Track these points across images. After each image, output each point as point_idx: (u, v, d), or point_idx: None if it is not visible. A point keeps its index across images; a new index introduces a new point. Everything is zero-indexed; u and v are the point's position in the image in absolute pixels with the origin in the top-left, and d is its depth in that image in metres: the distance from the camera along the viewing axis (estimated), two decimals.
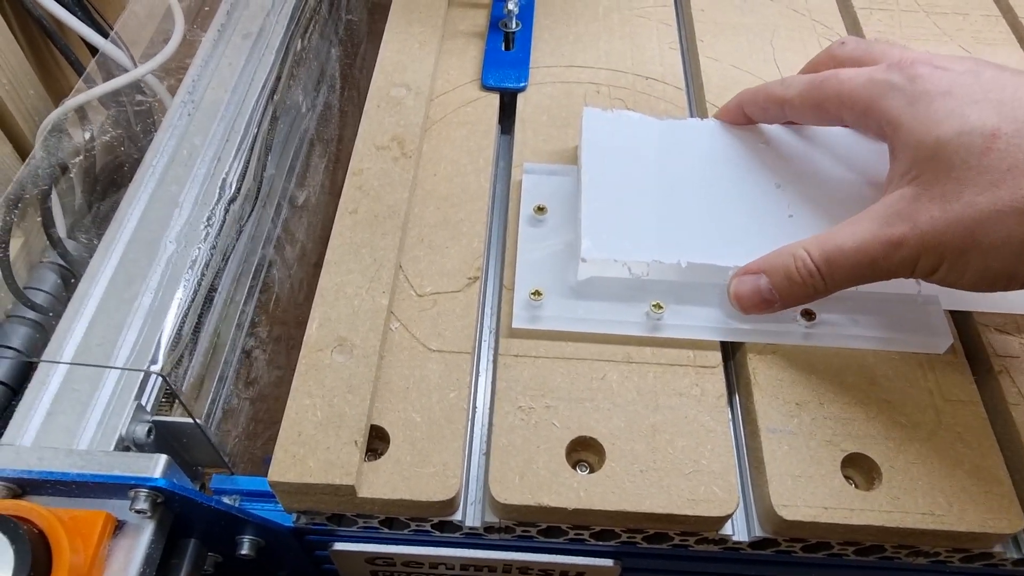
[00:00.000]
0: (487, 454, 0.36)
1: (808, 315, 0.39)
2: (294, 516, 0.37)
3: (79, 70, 0.58)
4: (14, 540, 0.29)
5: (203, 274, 0.38)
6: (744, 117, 0.45)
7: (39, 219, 0.49)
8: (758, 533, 0.35)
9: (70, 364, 0.35)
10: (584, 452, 0.36)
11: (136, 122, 0.53)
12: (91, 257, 0.40)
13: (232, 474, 0.39)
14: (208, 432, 0.37)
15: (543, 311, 0.39)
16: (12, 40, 0.54)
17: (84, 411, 0.35)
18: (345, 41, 0.65)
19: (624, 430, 0.36)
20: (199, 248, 0.39)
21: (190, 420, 0.37)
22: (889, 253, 0.34)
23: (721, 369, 0.38)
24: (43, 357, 0.37)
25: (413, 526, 0.36)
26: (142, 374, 0.36)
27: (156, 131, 0.47)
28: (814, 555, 0.37)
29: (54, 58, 0.60)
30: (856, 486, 0.35)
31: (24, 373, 0.43)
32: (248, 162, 0.44)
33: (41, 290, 0.48)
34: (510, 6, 0.53)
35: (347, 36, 0.66)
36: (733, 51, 0.54)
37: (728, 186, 0.43)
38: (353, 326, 0.38)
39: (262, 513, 0.37)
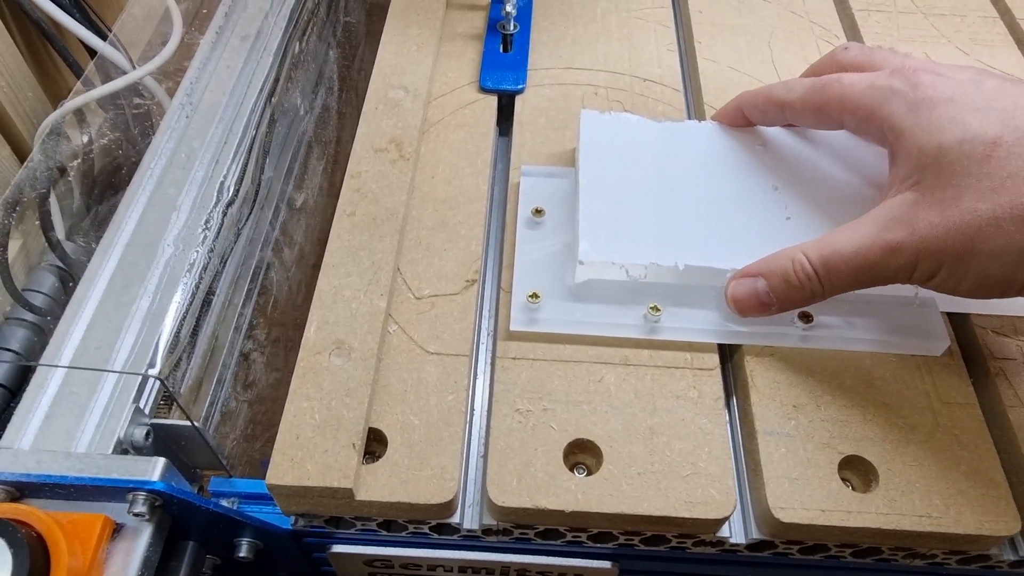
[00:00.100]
0: (485, 456, 0.36)
1: (805, 317, 0.39)
2: (292, 519, 0.37)
3: (77, 72, 0.58)
4: (12, 544, 0.29)
5: (201, 277, 0.38)
6: (743, 119, 0.45)
7: (37, 221, 0.49)
8: (755, 535, 0.35)
9: (68, 368, 0.35)
10: (582, 454, 0.36)
11: (134, 124, 0.54)
12: (89, 260, 0.41)
13: (230, 477, 0.39)
14: (206, 435, 0.37)
15: (541, 313, 0.39)
16: (10, 42, 0.54)
17: (82, 414, 0.35)
18: (343, 43, 0.65)
19: (621, 433, 0.36)
20: (197, 251, 0.39)
21: (188, 423, 0.37)
22: (887, 258, 0.34)
23: (719, 371, 0.38)
24: (41, 360, 0.37)
25: (411, 528, 0.37)
26: (140, 377, 0.36)
27: (154, 133, 0.47)
28: (811, 557, 0.37)
29: (52, 60, 0.60)
30: (853, 488, 0.35)
31: (23, 376, 0.43)
32: (246, 165, 0.44)
33: (40, 292, 0.48)
34: (508, 8, 0.53)
35: (345, 38, 0.66)
36: (731, 53, 0.54)
37: (726, 188, 0.43)
38: (351, 329, 0.38)
39: (260, 516, 0.37)
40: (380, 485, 0.34)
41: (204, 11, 0.54)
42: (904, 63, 0.38)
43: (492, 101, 0.51)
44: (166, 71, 0.51)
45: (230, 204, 0.41)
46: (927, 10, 0.58)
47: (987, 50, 0.55)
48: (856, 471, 0.36)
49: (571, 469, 0.35)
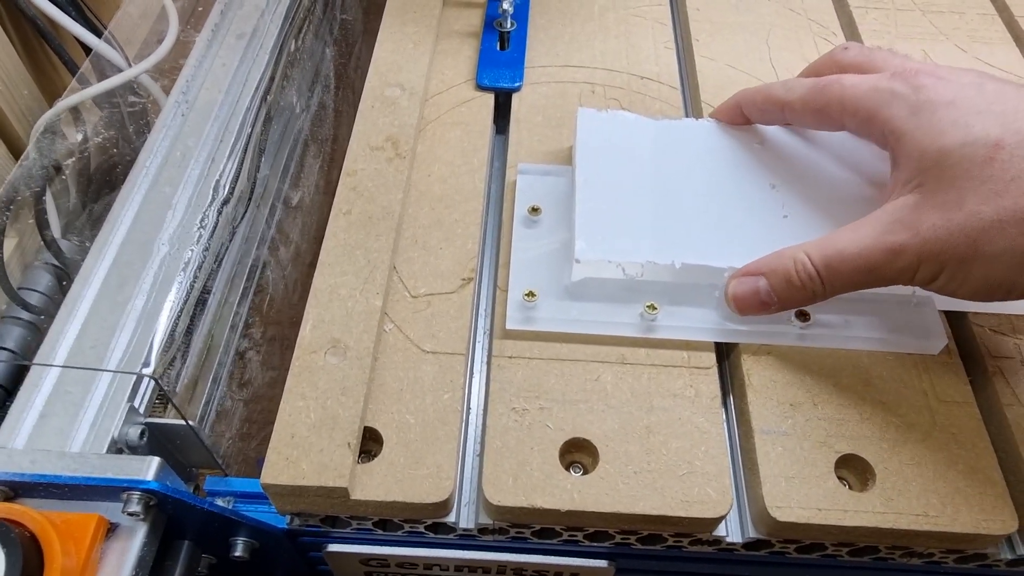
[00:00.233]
0: (481, 455, 0.36)
1: (803, 316, 0.39)
2: (288, 518, 0.37)
3: (73, 70, 0.58)
4: (5, 544, 0.29)
5: (196, 276, 0.38)
6: (741, 117, 0.44)
7: (32, 220, 0.49)
8: (752, 534, 0.35)
9: (62, 367, 0.35)
10: (578, 453, 0.36)
11: (130, 122, 0.53)
12: (85, 259, 0.40)
13: (226, 476, 0.39)
14: (201, 434, 0.37)
15: (537, 312, 0.39)
16: (6, 40, 0.54)
17: (77, 413, 0.35)
18: (340, 41, 0.65)
19: (618, 431, 0.36)
20: (192, 250, 0.39)
21: (183, 422, 0.36)
22: (889, 260, 0.34)
23: (715, 370, 0.38)
24: (36, 359, 0.37)
25: (407, 527, 0.36)
26: (135, 376, 0.36)
27: (150, 131, 0.47)
28: (808, 556, 0.37)
29: (48, 58, 0.60)
30: (850, 487, 0.35)
31: (18, 374, 0.43)
32: (242, 163, 0.44)
33: (35, 291, 0.48)
34: (505, 6, 0.53)
35: (342, 36, 0.66)
36: (729, 50, 0.54)
37: (723, 187, 0.42)
38: (347, 328, 0.38)
39: (256, 515, 0.37)
40: (375, 484, 0.34)
41: (200, 9, 0.54)
42: (905, 65, 0.38)
43: (489, 99, 0.51)
44: (162, 69, 0.51)
45: (225, 202, 0.41)
46: (925, 7, 0.58)
47: (985, 47, 0.55)
48: (853, 470, 0.36)
49: (567, 468, 0.35)
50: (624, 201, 0.42)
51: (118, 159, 0.53)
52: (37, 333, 0.45)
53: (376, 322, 0.38)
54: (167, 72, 0.51)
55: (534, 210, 0.43)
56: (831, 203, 0.41)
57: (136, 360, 0.36)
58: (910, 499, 0.34)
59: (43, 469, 0.32)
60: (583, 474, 0.35)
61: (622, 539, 0.36)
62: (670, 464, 0.35)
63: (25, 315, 0.46)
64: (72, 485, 0.32)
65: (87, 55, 0.53)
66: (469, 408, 0.39)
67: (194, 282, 0.38)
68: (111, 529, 0.33)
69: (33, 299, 0.47)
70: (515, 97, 0.51)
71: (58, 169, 0.50)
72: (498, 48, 0.53)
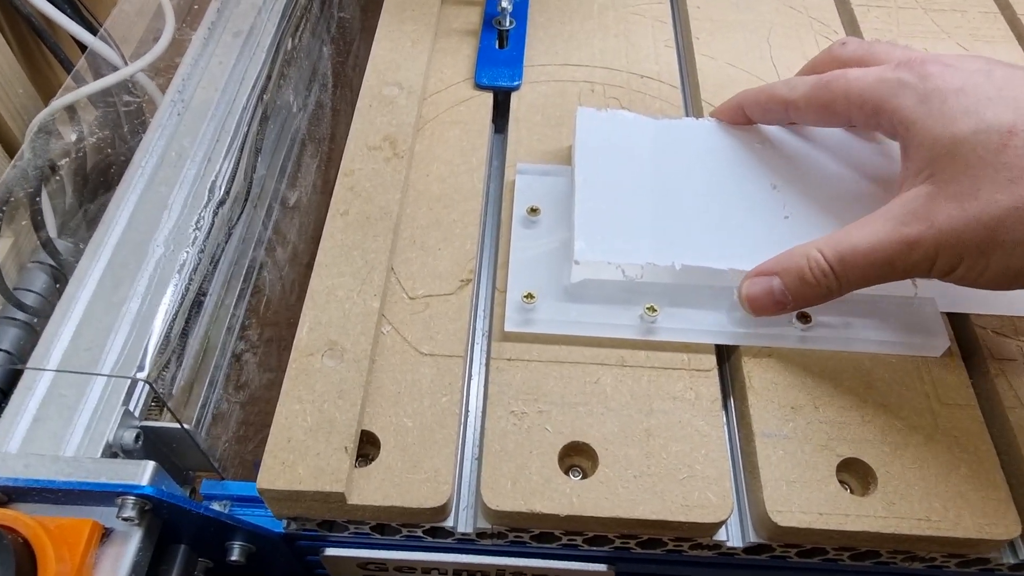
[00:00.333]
0: (479, 459, 0.36)
1: (804, 318, 0.38)
2: (284, 522, 0.36)
3: (68, 68, 0.57)
4: None
5: (191, 278, 0.38)
6: (743, 117, 0.44)
7: (26, 221, 0.48)
8: (752, 539, 0.35)
9: (56, 371, 0.35)
10: (577, 457, 0.36)
11: (126, 121, 0.53)
12: (81, 259, 0.40)
13: (222, 479, 0.39)
14: (197, 438, 0.36)
15: (536, 314, 0.39)
16: (0, 38, 0.53)
17: (71, 417, 0.35)
18: (337, 39, 0.65)
19: (618, 435, 0.36)
20: (187, 252, 0.39)
21: (179, 426, 0.36)
22: (906, 253, 0.33)
23: (716, 372, 0.38)
24: (31, 360, 0.37)
25: (405, 531, 0.36)
26: (130, 380, 0.36)
27: (146, 130, 0.47)
28: (809, 560, 0.36)
29: (43, 55, 0.59)
30: (851, 491, 0.35)
31: (14, 376, 0.42)
32: (238, 164, 0.43)
33: (31, 291, 0.47)
34: (504, 3, 0.52)
35: (339, 34, 0.65)
36: (729, 49, 0.54)
37: (724, 187, 0.42)
38: (344, 330, 0.38)
39: (252, 519, 0.36)
40: (373, 489, 0.34)
41: (196, 7, 0.53)
42: (910, 55, 0.37)
43: (488, 98, 0.50)
44: (157, 68, 0.50)
45: (221, 204, 0.41)
46: (927, 5, 0.57)
47: (988, 46, 0.54)
48: (854, 473, 0.35)
49: (566, 472, 0.35)
50: (624, 201, 0.41)
51: (114, 158, 0.52)
52: (33, 333, 0.45)
53: (374, 324, 0.38)
54: (163, 71, 0.51)
55: (533, 211, 0.43)
56: (832, 203, 0.41)
57: (131, 363, 0.36)
58: (912, 503, 0.34)
59: (37, 474, 0.32)
60: (582, 478, 0.35)
61: (622, 543, 0.36)
62: (670, 468, 0.35)
63: (21, 315, 0.45)
64: (66, 490, 0.32)
65: (83, 53, 0.53)
66: (467, 411, 0.38)
67: (189, 284, 0.38)
68: (105, 534, 0.32)
69: (29, 299, 0.47)
70: (514, 96, 0.50)
71: (54, 168, 0.49)
72: (497, 46, 0.53)
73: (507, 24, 0.53)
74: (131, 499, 0.32)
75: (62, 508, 0.33)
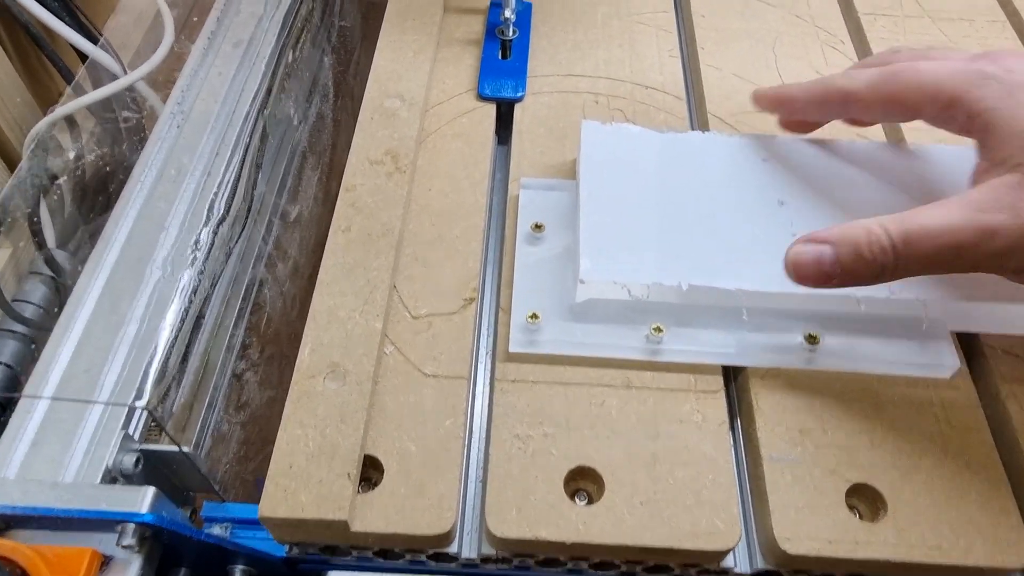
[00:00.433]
0: (484, 482, 0.35)
1: (811, 339, 0.38)
2: (287, 546, 0.36)
3: (67, 76, 0.57)
4: None
5: (191, 300, 0.37)
6: (787, 112, 0.42)
7: (27, 230, 0.48)
8: (760, 566, 0.34)
9: (52, 399, 0.34)
10: (583, 481, 0.36)
11: (126, 131, 0.52)
12: (80, 272, 0.39)
13: (223, 501, 0.38)
14: (198, 461, 0.36)
15: (541, 335, 0.38)
16: None
17: (70, 442, 0.34)
18: (338, 48, 0.64)
19: (623, 460, 0.35)
20: (187, 273, 0.38)
21: (178, 449, 0.36)
22: (981, 241, 0.32)
23: (723, 394, 0.38)
24: (29, 382, 0.36)
25: (408, 556, 0.36)
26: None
27: (145, 141, 0.46)
28: None
29: (42, 64, 0.59)
30: (861, 517, 0.34)
31: (13, 388, 0.42)
32: (238, 180, 0.43)
33: (30, 303, 0.47)
34: (507, 13, 0.52)
35: (340, 43, 0.64)
36: (735, 59, 0.53)
37: (730, 203, 0.41)
38: (346, 351, 0.37)
39: (253, 543, 0.36)
40: (376, 516, 0.33)
41: (194, 19, 0.53)
42: (983, 52, 0.36)
43: (491, 109, 0.50)
44: (155, 79, 0.50)
45: (220, 223, 0.40)
46: (935, 14, 0.57)
47: None
48: (864, 499, 0.35)
49: (572, 496, 0.35)
50: (630, 217, 0.41)
51: (114, 168, 0.52)
52: (31, 346, 0.44)
53: (376, 345, 0.38)
54: (161, 85, 0.50)
55: (537, 227, 0.42)
56: (840, 219, 0.40)
57: (130, 387, 0.35)
58: (922, 530, 0.33)
59: (35, 500, 0.32)
60: (588, 503, 0.35)
61: (628, 569, 0.35)
62: (677, 494, 0.34)
63: (19, 328, 0.45)
64: (65, 518, 0.31)
65: (82, 61, 0.52)
66: (471, 433, 0.38)
67: (189, 306, 0.37)
68: (105, 562, 0.32)
69: (28, 311, 0.46)
70: (517, 107, 0.50)
71: (53, 178, 0.49)
72: (500, 57, 0.52)
73: (510, 34, 0.53)
74: (131, 526, 0.32)
75: (61, 535, 0.32)
